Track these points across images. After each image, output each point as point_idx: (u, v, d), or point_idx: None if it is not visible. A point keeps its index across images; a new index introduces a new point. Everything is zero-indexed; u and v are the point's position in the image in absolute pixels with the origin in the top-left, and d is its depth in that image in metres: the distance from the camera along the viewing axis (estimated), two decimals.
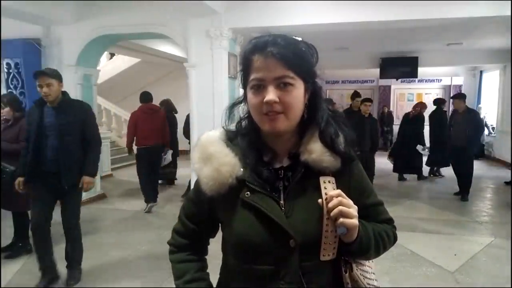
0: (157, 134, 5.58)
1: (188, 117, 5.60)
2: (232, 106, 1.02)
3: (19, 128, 3.63)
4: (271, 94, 0.88)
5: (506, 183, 7.15)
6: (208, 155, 0.95)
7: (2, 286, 3.22)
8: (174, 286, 1.06)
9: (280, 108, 0.89)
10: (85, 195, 5.83)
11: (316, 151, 0.94)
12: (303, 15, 4.78)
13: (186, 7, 4.82)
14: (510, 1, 4.25)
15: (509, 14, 4.30)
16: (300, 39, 0.95)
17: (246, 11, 4.95)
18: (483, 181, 7.44)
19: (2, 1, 4.18)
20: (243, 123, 1.02)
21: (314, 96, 0.96)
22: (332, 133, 0.95)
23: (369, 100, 6.10)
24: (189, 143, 5.50)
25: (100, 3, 5.27)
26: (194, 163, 0.97)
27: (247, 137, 0.99)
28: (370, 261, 1.08)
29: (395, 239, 1.08)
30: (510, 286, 3.22)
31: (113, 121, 9.88)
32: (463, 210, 5.55)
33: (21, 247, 3.87)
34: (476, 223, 5.02)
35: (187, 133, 5.76)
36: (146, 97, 5.72)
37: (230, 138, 1.00)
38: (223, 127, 1.04)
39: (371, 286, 1.03)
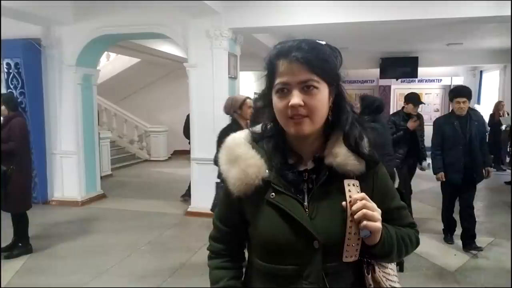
0: None
1: (188, 117, 5.62)
2: (256, 114, 1.04)
3: (8, 128, 3.65)
4: (296, 98, 0.89)
5: (506, 183, 7.15)
6: (235, 157, 0.98)
7: (2, 286, 3.21)
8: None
9: (305, 112, 0.90)
10: (85, 195, 5.85)
11: (340, 154, 0.96)
12: (303, 15, 4.78)
13: (186, 7, 4.82)
14: (510, 1, 4.25)
15: (509, 14, 4.29)
16: (324, 42, 0.96)
17: (246, 11, 4.95)
18: (482, 181, 7.41)
19: (2, 1, 4.18)
20: (269, 126, 1.03)
21: (338, 98, 0.97)
22: (357, 136, 0.97)
23: None
24: (189, 143, 5.50)
25: (100, 3, 5.27)
26: (221, 165, 1.00)
27: (272, 140, 1.01)
28: (392, 263, 1.08)
29: (417, 243, 1.08)
30: (510, 286, 3.22)
31: (114, 121, 9.89)
32: None
33: (21, 247, 3.88)
34: (476, 223, 5.01)
35: (187, 133, 5.77)
36: None
37: (256, 140, 1.03)
38: (249, 129, 1.06)
39: None
